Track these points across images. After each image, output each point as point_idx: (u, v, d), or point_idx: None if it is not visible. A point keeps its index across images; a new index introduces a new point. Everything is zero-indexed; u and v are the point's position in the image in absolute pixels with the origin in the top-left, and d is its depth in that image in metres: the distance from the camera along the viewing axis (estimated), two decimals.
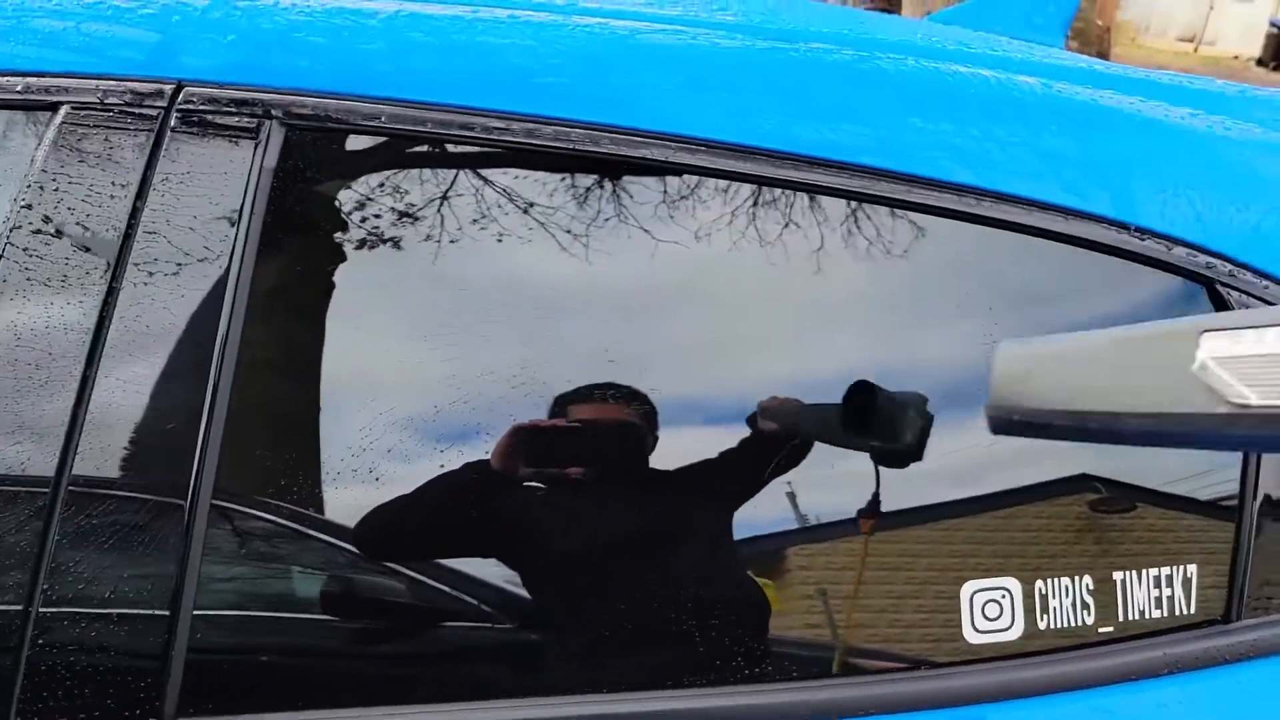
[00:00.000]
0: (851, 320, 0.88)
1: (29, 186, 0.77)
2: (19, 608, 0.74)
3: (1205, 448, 0.61)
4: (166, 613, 0.75)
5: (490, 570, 0.82)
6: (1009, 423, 0.57)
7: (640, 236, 0.83)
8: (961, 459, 0.85)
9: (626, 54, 0.86)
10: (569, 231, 0.82)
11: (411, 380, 0.79)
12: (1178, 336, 0.50)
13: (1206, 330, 0.49)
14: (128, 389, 0.75)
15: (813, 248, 0.85)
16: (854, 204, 0.85)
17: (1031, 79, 0.93)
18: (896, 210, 0.85)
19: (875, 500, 0.84)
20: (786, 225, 0.84)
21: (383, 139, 0.82)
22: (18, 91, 0.78)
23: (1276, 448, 0.49)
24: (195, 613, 0.75)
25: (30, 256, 0.76)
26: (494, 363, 0.79)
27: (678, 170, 0.83)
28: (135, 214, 0.77)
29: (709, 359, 0.85)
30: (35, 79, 0.79)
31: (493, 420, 0.79)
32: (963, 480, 0.85)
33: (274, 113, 0.80)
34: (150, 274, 0.77)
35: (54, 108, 0.79)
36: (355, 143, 0.82)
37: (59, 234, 0.77)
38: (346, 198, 0.82)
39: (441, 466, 0.78)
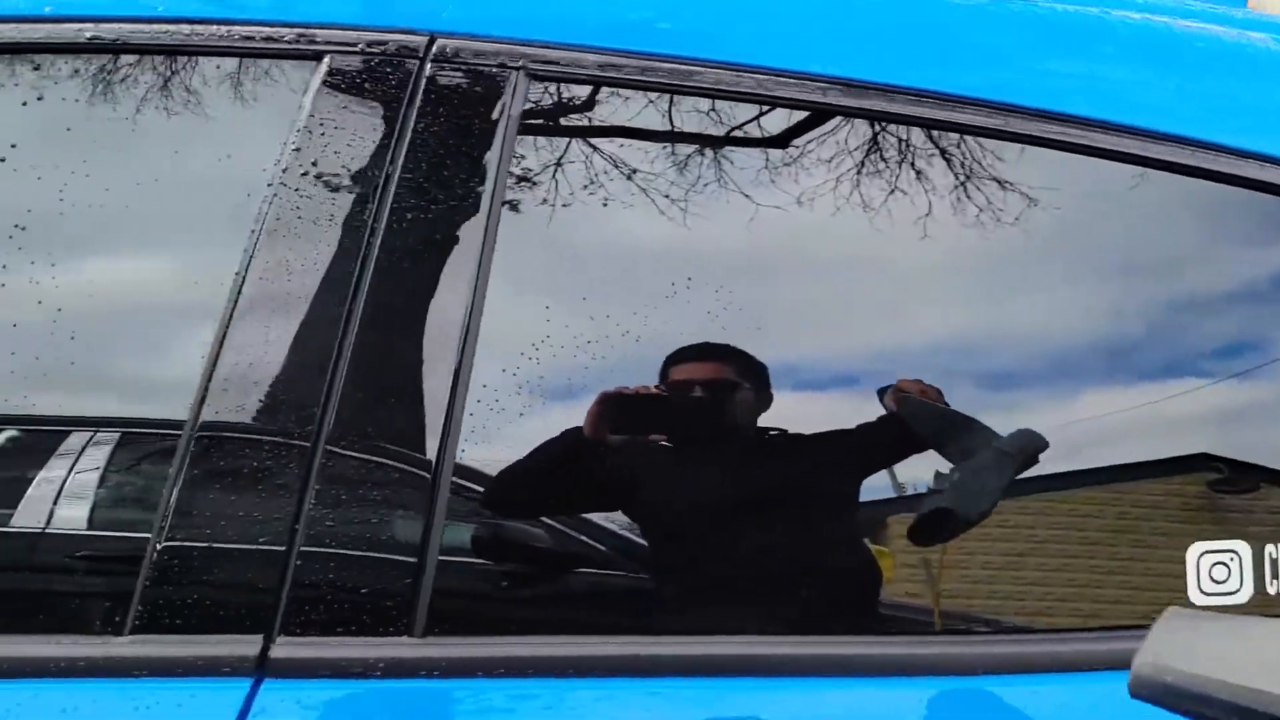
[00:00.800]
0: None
1: (298, 131, 0.82)
2: (288, 526, 0.79)
3: None
4: (416, 544, 0.79)
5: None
6: (1159, 685, 0.51)
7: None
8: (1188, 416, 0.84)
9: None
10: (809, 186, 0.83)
11: (657, 326, 0.82)
12: None
13: None
14: (385, 328, 0.80)
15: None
16: None
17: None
18: None
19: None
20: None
21: (624, 91, 0.84)
22: (288, 41, 0.83)
23: None
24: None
25: (301, 197, 0.81)
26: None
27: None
28: (394, 161, 0.81)
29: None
30: (303, 29, 0.83)
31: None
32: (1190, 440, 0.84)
33: (520, 64, 0.83)
34: (408, 217, 0.81)
35: (319, 56, 0.83)
36: (597, 94, 0.85)
37: (323, 177, 0.81)
38: (587, 149, 0.84)
39: None
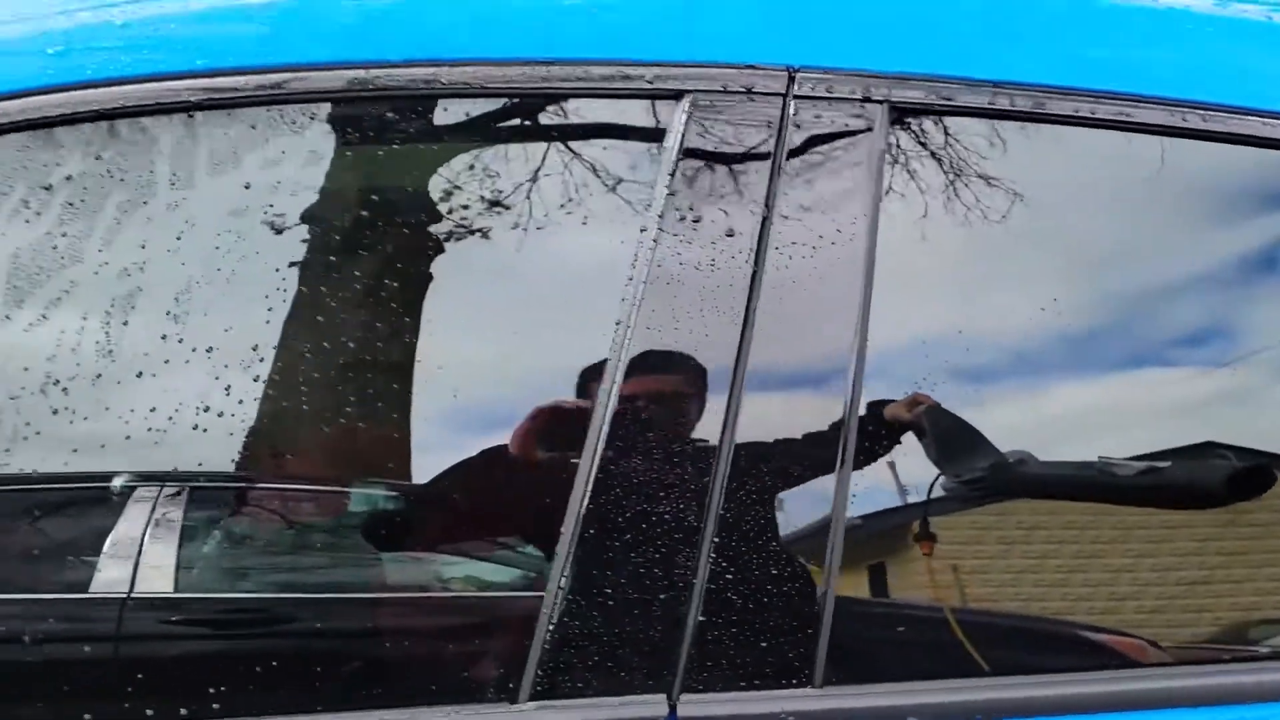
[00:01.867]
0: None
1: (670, 174, 0.79)
2: (687, 579, 0.77)
3: None
4: (815, 592, 0.78)
5: None
6: None
7: None
8: None
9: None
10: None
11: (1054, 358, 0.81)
12: None
13: None
14: (779, 378, 0.78)
15: None
16: None
17: None
18: None
19: None
20: None
21: (989, 120, 0.83)
22: (648, 82, 0.80)
23: None
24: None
25: (680, 241, 0.79)
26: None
27: None
28: (770, 197, 0.79)
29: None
30: (661, 68, 0.81)
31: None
32: None
33: (883, 96, 0.81)
34: (789, 257, 0.79)
35: (679, 95, 0.81)
36: (959, 124, 0.83)
37: (700, 220, 0.79)
38: (950, 180, 0.83)
39: None
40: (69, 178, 0.77)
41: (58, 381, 0.75)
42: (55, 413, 0.75)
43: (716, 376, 0.78)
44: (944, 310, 0.82)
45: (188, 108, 0.77)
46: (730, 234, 0.79)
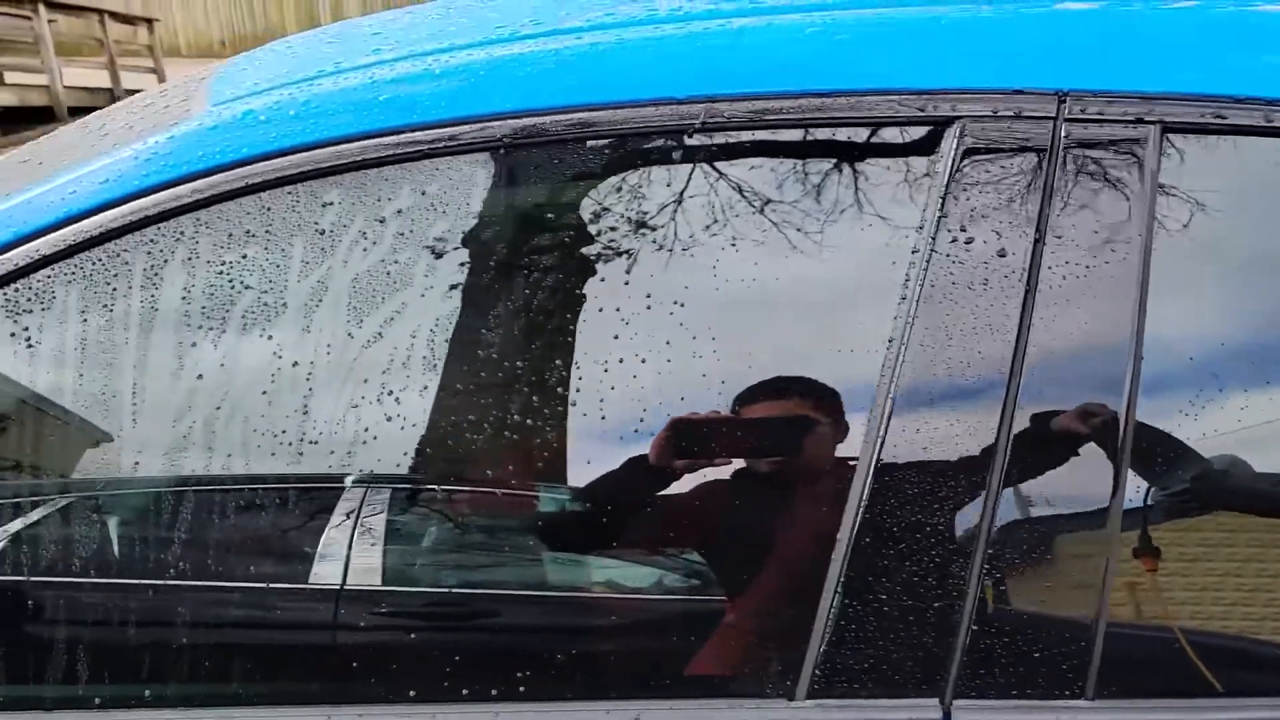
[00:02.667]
0: None
1: (941, 197, 0.82)
2: (962, 586, 0.80)
3: None
4: (1091, 603, 0.79)
5: None
6: None
7: None
8: None
9: None
10: None
11: None
12: None
13: None
14: (1052, 395, 0.80)
15: None
16: None
17: None
18: None
19: None
20: None
21: (1264, 139, 0.83)
22: (919, 109, 0.84)
23: None
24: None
25: (953, 262, 0.82)
26: None
27: None
28: (1042, 219, 0.81)
29: None
30: (930, 96, 0.84)
31: None
32: None
33: (1156, 118, 0.82)
34: (1063, 278, 0.81)
35: (950, 121, 0.84)
36: (1233, 144, 0.83)
37: (972, 242, 0.82)
38: (1225, 199, 0.83)
39: None
40: (399, 211, 0.86)
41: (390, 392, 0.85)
42: (389, 419, 0.85)
43: (990, 391, 0.80)
44: (1219, 328, 0.82)
45: (499, 145, 0.85)
46: (1002, 254, 0.82)
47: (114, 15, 12.67)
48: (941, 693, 0.81)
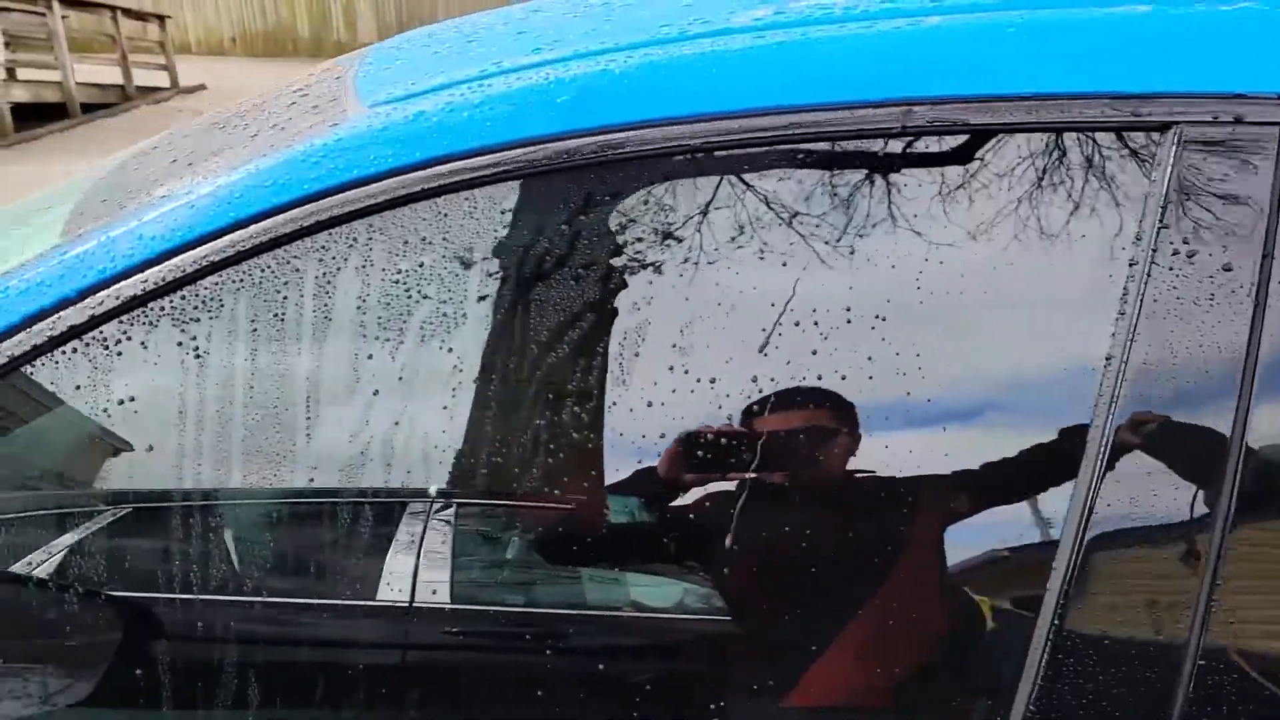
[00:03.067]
0: None
1: (1161, 207, 0.78)
2: (1188, 619, 0.76)
3: None
4: None
5: None
6: None
7: None
8: None
9: None
10: None
11: None
12: None
13: None
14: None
15: None
16: None
17: None
18: None
19: None
20: None
21: None
22: (1133, 114, 0.80)
23: None
24: None
25: (1176, 276, 0.77)
26: None
27: None
28: (1270, 230, 0.77)
29: None
30: (1146, 101, 0.80)
31: None
32: None
33: None
34: None
35: (1166, 127, 0.79)
36: None
37: (1195, 254, 0.78)
38: None
39: None
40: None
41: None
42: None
43: (1216, 409, 0.76)
44: None
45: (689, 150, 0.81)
46: (1228, 269, 0.77)
47: (126, 11, 12.64)
48: None
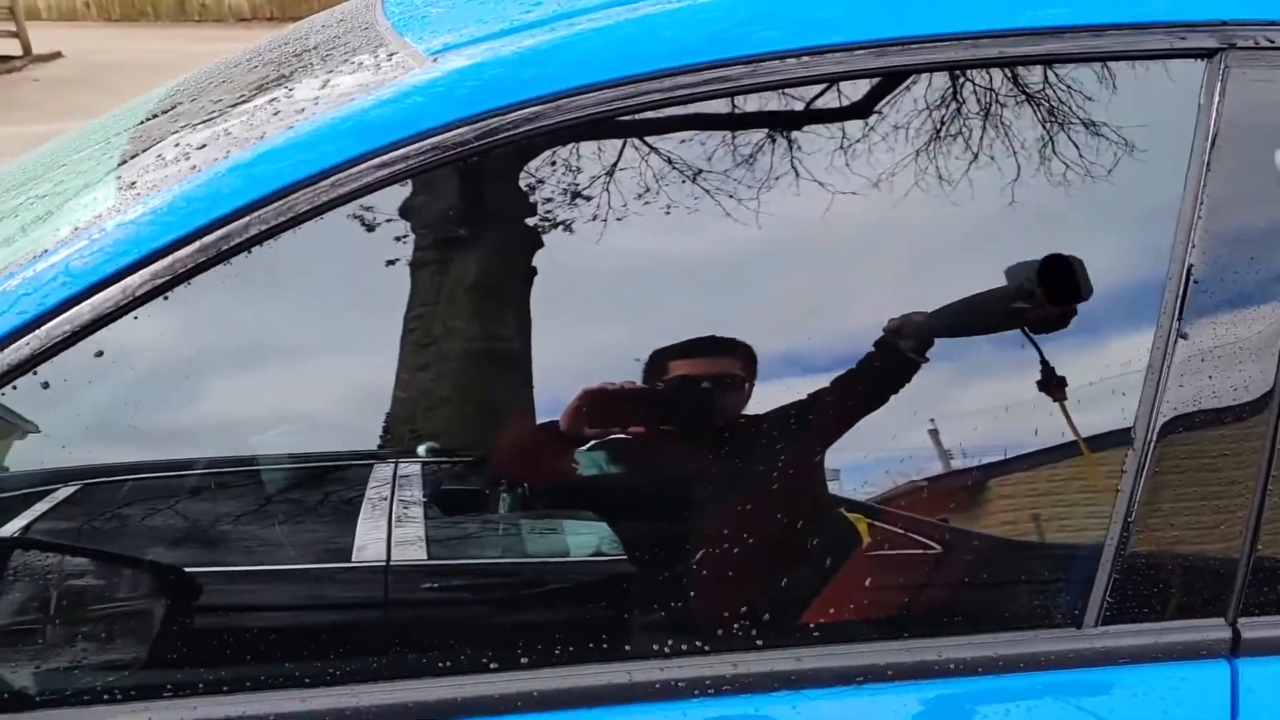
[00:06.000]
0: None
1: (1209, 133, 0.83)
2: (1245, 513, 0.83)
3: None
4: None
5: None
6: None
7: None
8: None
9: None
10: None
11: None
12: None
13: None
14: None
15: None
16: None
17: None
18: None
19: None
20: None
21: None
22: (1179, 39, 0.84)
23: None
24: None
25: (1225, 216, 0.82)
26: None
27: None
28: None
29: None
30: (1187, 28, 0.84)
31: None
32: None
33: None
34: None
35: (1210, 54, 0.84)
36: None
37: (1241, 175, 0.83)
38: None
39: None
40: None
41: None
42: None
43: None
44: None
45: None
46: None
47: None
48: (1225, 612, 0.83)
